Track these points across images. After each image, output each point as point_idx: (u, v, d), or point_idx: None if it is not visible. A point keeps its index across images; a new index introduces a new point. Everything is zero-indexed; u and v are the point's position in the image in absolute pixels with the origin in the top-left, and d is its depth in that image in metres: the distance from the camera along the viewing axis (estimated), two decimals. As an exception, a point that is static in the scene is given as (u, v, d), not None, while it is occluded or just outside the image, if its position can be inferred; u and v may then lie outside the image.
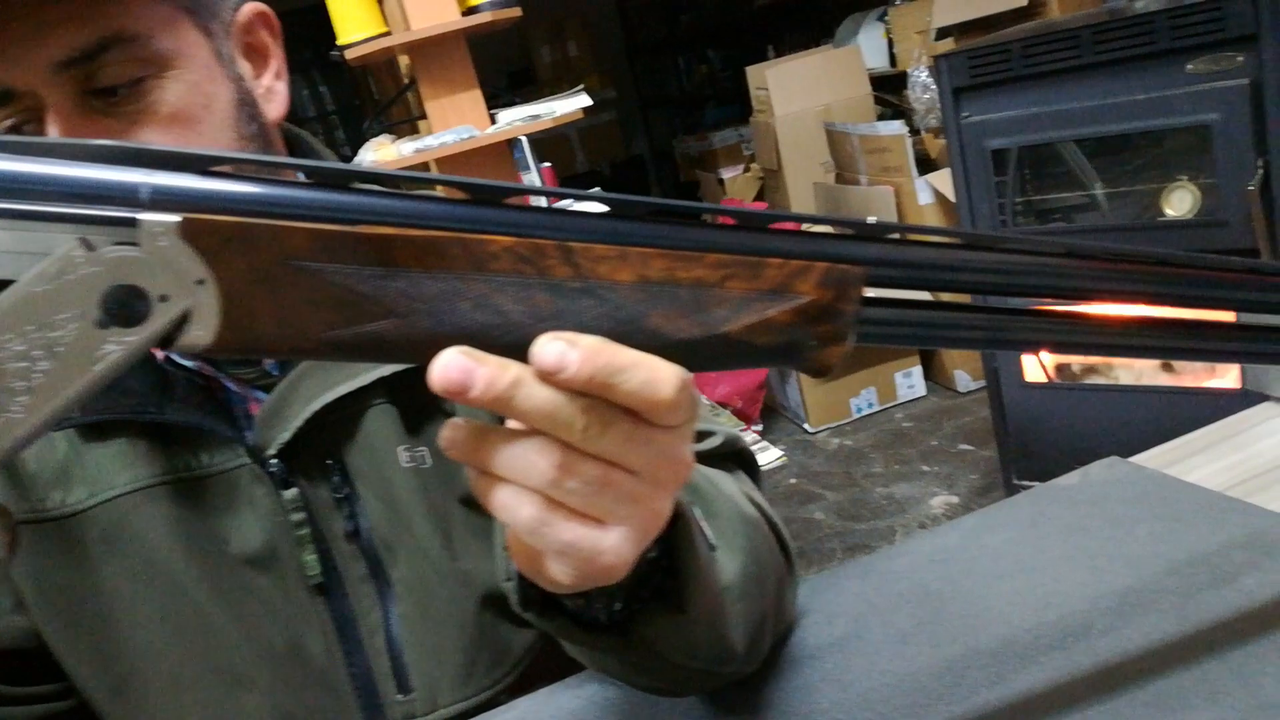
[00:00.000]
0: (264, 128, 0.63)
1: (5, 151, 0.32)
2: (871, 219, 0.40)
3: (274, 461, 0.65)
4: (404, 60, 2.45)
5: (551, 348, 0.33)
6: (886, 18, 3.74)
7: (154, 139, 0.57)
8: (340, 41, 2.11)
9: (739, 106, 4.34)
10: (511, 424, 0.35)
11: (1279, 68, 1.61)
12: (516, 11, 2.20)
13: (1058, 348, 0.45)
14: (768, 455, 2.95)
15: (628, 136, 6.40)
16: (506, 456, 0.35)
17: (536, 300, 0.35)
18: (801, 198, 3.57)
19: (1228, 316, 0.49)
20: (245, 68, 0.64)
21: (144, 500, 0.65)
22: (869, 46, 3.78)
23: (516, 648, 0.71)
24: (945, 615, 0.65)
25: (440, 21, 2.13)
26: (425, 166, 2.09)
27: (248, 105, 0.62)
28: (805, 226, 0.39)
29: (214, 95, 0.59)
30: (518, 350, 0.34)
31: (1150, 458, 0.81)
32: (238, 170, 0.35)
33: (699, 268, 0.37)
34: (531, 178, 2.15)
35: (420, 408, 0.66)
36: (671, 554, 0.45)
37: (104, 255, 0.31)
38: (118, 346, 0.32)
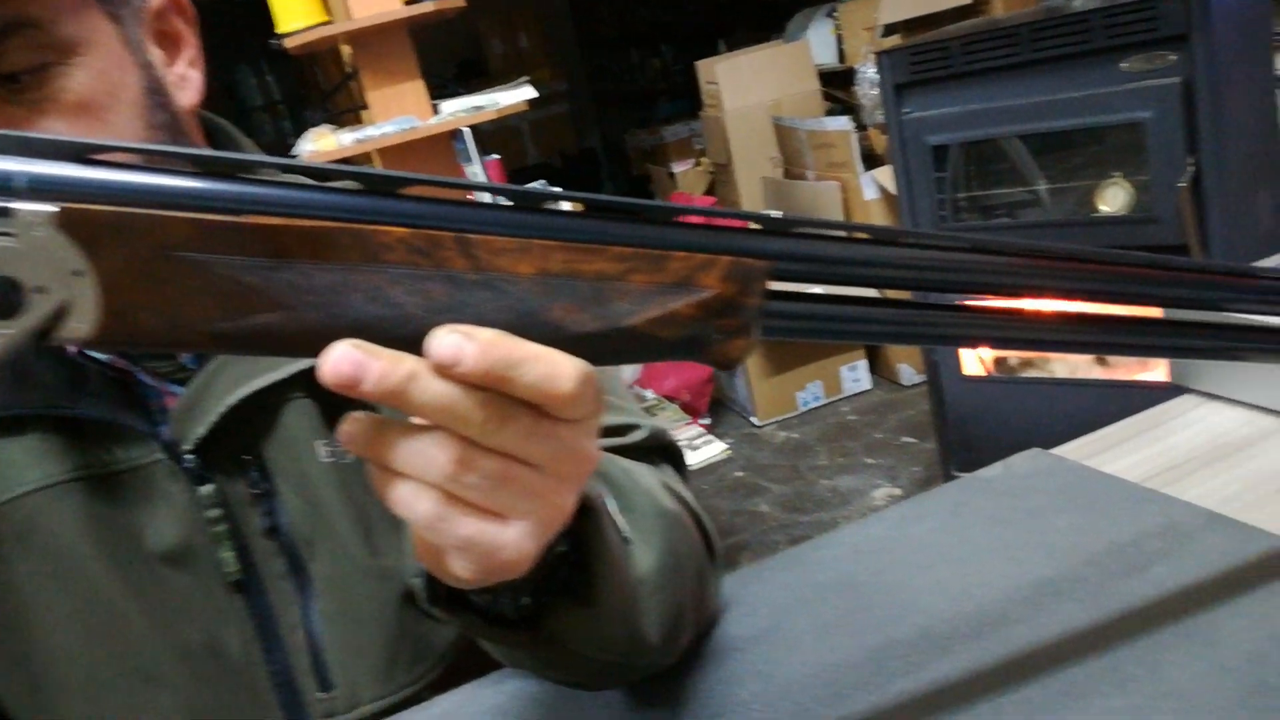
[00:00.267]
0: (176, 116, 0.62)
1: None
2: (776, 213, 0.40)
3: (190, 457, 0.64)
4: (346, 50, 2.41)
5: (447, 340, 0.33)
6: (836, 14, 3.76)
7: (59, 128, 0.55)
8: (279, 30, 2.07)
9: (691, 101, 4.35)
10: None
11: (1209, 67, 1.64)
12: (460, 1, 2.17)
13: (968, 341, 0.45)
14: (712, 449, 2.96)
15: (580, 129, 6.38)
16: (404, 451, 0.34)
17: (432, 292, 0.34)
18: (751, 192, 3.59)
19: (1155, 312, 0.50)
20: (157, 55, 0.62)
21: (56, 497, 0.64)
22: (818, 42, 3.80)
23: (439, 644, 0.70)
24: (868, 605, 0.65)
25: (382, 10, 2.10)
26: (366, 157, 2.07)
27: (158, 94, 0.61)
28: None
29: (122, 83, 0.58)
30: (413, 344, 0.33)
31: (1072, 449, 0.82)
32: (125, 159, 0.34)
33: (601, 261, 0.36)
34: (475, 169, 2.14)
35: (340, 402, 0.65)
36: (581, 547, 0.45)
37: (-24, 245, 0.30)
38: (-9, 339, 0.31)
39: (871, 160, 3.08)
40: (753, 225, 0.39)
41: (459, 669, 0.70)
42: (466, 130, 2.16)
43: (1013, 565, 0.66)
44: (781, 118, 3.38)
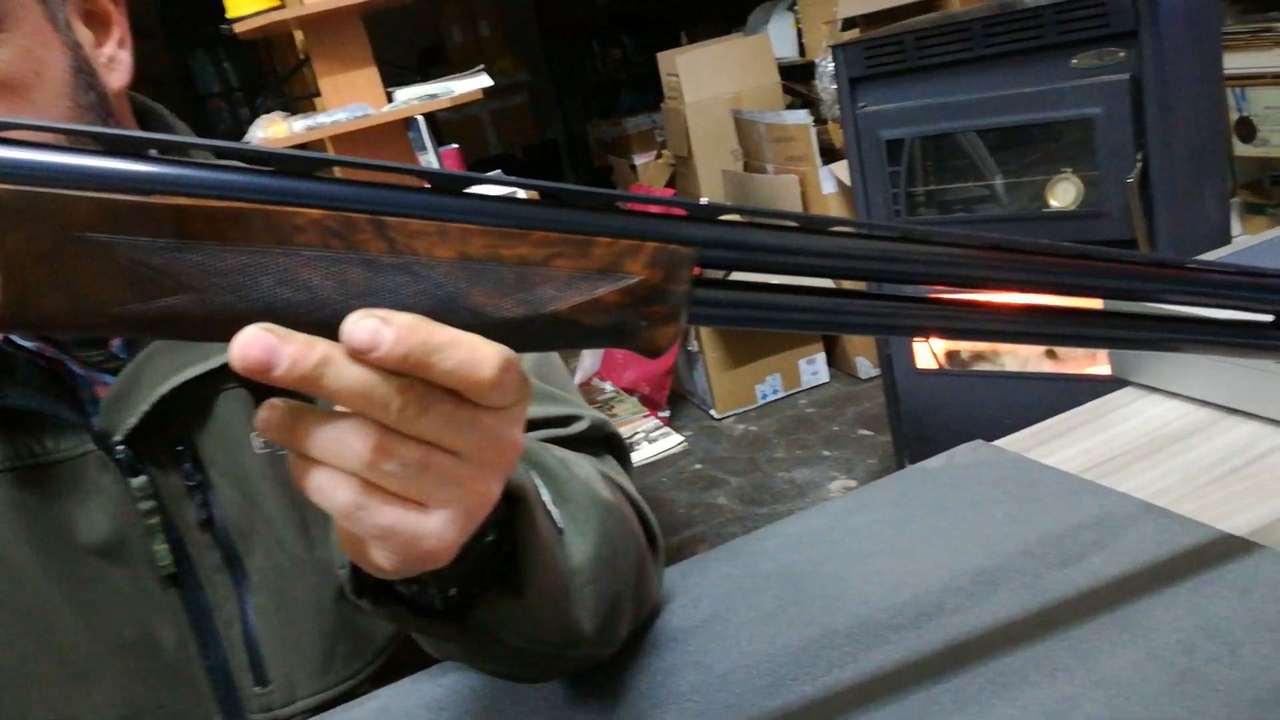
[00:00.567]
0: (105, 98, 0.61)
1: None
2: (704, 200, 0.40)
3: (121, 448, 0.63)
4: (299, 36, 2.38)
5: (363, 325, 0.32)
6: (796, 7, 3.77)
7: None
8: (230, 15, 2.04)
9: (653, 92, 4.34)
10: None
11: (1157, 63, 1.66)
12: (413, -13, 2.15)
13: (898, 330, 0.45)
14: (669, 441, 2.96)
15: (541, 120, 6.34)
16: (321, 438, 0.34)
17: (348, 276, 0.33)
18: (711, 185, 3.58)
19: (1095, 304, 0.50)
20: (85, 35, 0.61)
21: (-17, 488, 0.62)
22: (778, 35, 3.80)
23: (378, 637, 0.69)
24: (807, 596, 0.66)
25: (335, -5, 2.07)
26: (319, 144, 2.04)
27: (86, 74, 0.59)
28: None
29: (46, 61, 0.57)
30: (328, 329, 0.33)
31: (1015, 441, 0.83)
32: (31, 138, 0.33)
33: (524, 245, 0.36)
34: (429, 158, 2.12)
35: (275, 392, 0.64)
36: (511, 537, 0.45)
37: None
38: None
39: (831, 154, 3.09)
40: (678, 211, 0.39)
41: (398, 662, 0.69)
42: (420, 119, 2.13)
43: (951, 556, 0.67)
44: (741, 111, 3.38)
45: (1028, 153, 2.01)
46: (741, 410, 3.13)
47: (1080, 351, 1.95)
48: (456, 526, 0.36)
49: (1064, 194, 1.86)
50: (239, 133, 2.15)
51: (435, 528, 0.35)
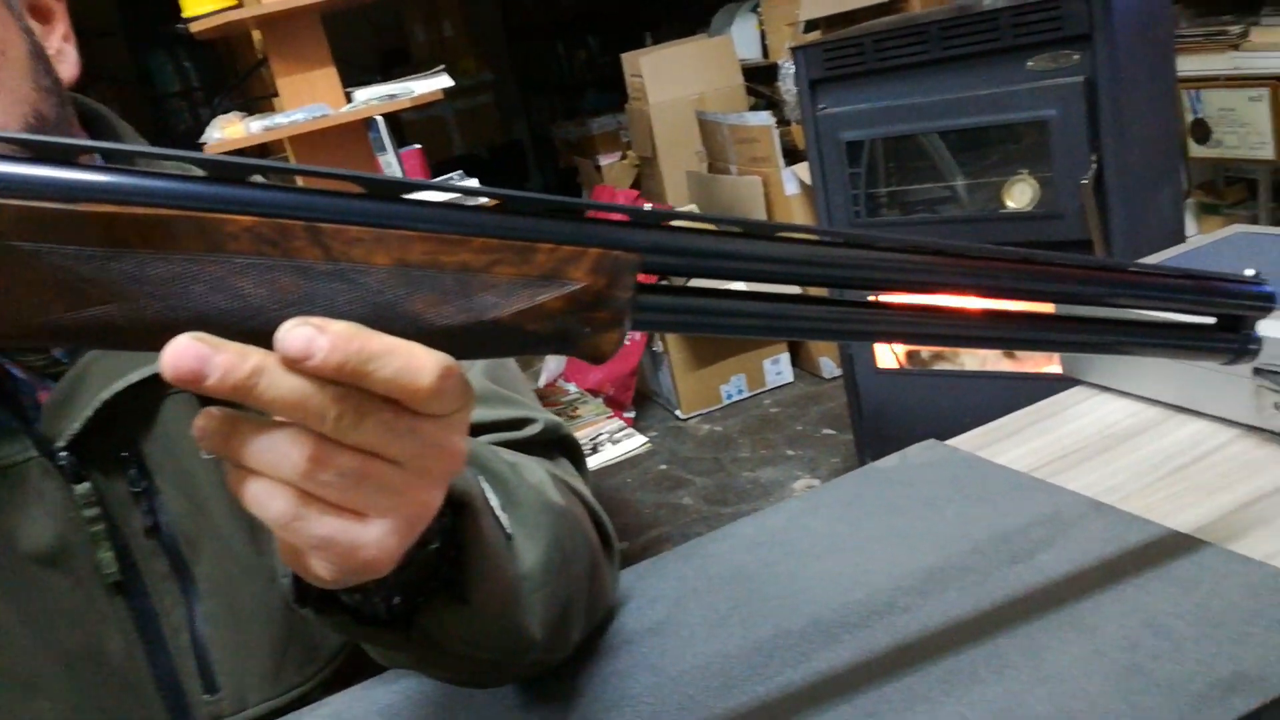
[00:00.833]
0: (59, 83, 0.60)
1: None
2: (648, 206, 0.40)
3: (64, 454, 0.62)
4: (257, 35, 2.35)
5: (298, 333, 0.31)
6: (759, 9, 3.78)
7: None
8: (186, 14, 2.01)
9: (618, 93, 4.34)
10: None
11: (1111, 66, 1.69)
12: (373, -13, 2.14)
13: (845, 335, 0.45)
14: (634, 441, 2.96)
15: (506, 120, 6.32)
16: (257, 448, 0.33)
17: (281, 284, 0.33)
18: (676, 186, 3.59)
19: (1047, 308, 0.51)
20: (35, 26, 0.60)
21: (-78, 497, 0.61)
22: (742, 37, 3.82)
23: (329, 643, 0.69)
24: (760, 596, 0.66)
25: (293, -7, 2.05)
26: (277, 145, 2.02)
27: (42, 59, 0.59)
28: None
29: (7, 41, 0.56)
30: (263, 337, 0.32)
31: (968, 440, 0.84)
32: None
33: (464, 252, 0.36)
34: (389, 159, 2.10)
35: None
36: (456, 544, 0.44)
37: None
38: None
39: (793, 155, 3.11)
40: (620, 217, 0.39)
41: (350, 669, 0.68)
42: (380, 119, 2.12)
43: (903, 554, 0.67)
44: (705, 112, 3.39)
45: (987, 154, 2.03)
46: (706, 410, 3.13)
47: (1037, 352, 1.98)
48: (397, 536, 0.36)
49: (1020, 195, 1.88)
50: (199, 132, 2.12)
51: (375, 537, 0.35)
